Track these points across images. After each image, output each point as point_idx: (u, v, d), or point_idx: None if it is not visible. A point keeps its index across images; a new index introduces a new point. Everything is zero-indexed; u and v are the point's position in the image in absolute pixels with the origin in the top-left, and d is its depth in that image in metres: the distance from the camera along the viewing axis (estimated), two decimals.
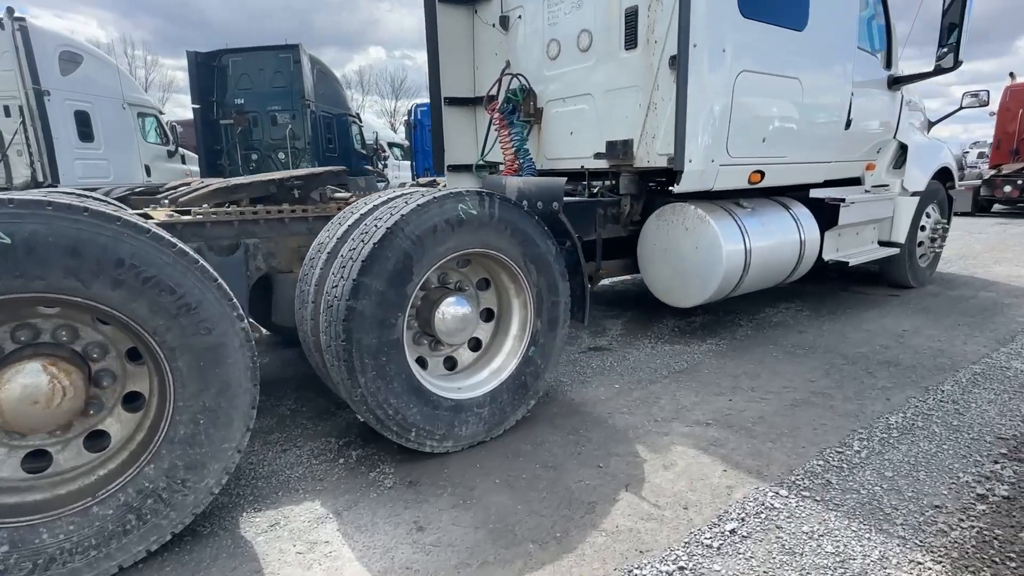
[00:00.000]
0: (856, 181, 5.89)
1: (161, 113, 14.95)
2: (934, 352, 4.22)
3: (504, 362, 3.00)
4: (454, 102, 5.64)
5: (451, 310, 2.78)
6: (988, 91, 6.87)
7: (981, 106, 6.95)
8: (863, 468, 2.63)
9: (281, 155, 13.20)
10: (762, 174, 4.24)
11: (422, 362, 2.94)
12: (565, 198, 4.52)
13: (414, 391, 2.58)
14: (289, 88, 13.00)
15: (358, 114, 16.63)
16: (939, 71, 5.44)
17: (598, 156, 4.49)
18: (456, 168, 5.81)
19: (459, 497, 2.45)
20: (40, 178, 11.52)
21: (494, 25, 5.37)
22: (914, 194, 5.97)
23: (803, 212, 4.87)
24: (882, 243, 5.99)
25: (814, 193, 5.18)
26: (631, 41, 4.16)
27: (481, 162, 5.55)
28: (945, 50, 5.30)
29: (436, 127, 5.70)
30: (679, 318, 5.21)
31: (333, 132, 14.49)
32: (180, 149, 15.37)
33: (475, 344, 3.12)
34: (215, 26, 64.87)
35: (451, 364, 3.07)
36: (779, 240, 4.53)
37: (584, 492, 2.48)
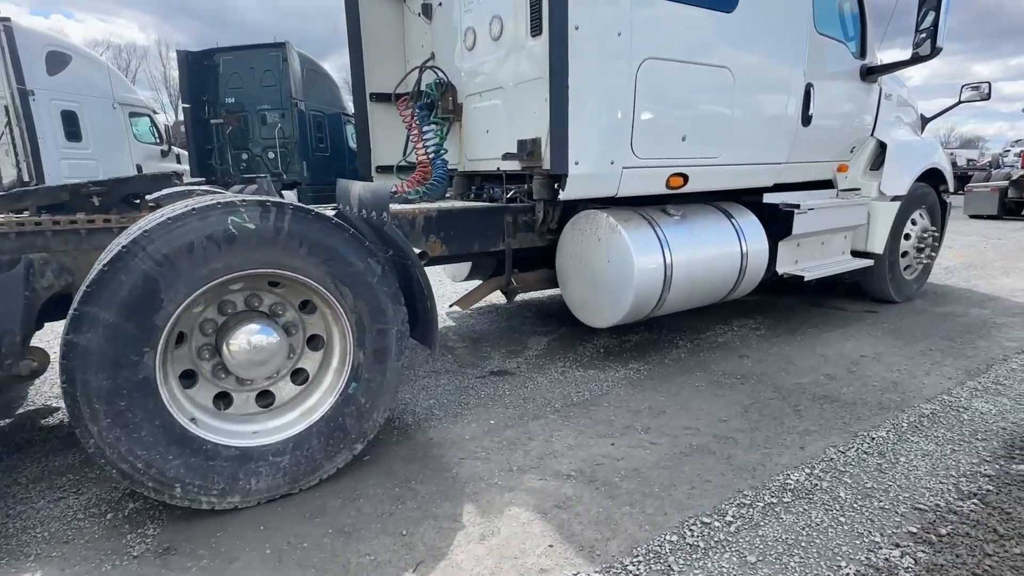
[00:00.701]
0: (830, 184, 5.28)
1: (155, 113, 14.94)
2: (885, 386, 3.62)
3: (320, 400, 2.55)
4: (382, 98, 5.22)
5: (244, 340, 2.35)
6: (989, 83, 6.14)
7: (983, 100, 6.21)
8: (723, 549, 2.10)
9: (271, 154, 13.04)
10: (685, 177, 3.70)
11: (227, 398, 2.52)
12: (468, 203, 4.07)
13: (174, 440, 2.16)
14: (278, 87, 12.81)
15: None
16: (916, 59, 4.79)
17: (507, 156, 3.99)
18: (385, 169, 5.38)
19: (209, 573, 2.02)
20: (26, 177, 11.56)
21: (419, 14, 4.93)
22: (894, 199, 5.32)
23: (748, 220, 4.30)
24: (856, 253, 5.36)
25: (768, 198, 4.61)
26: (536, 27, 3.65)
27: (403, 163, 5.12)
28: (923, 35, 4.66)
29: (361, 125, 5.29)
30: (612, 337, 4.68)
31: (324, 131, 14.24)
32: (175, 149, 15.38)
33: (305, 376, 2.69)
34: (253, 28, 66.14)
35: (270, 399, 2.64)
36: (713, 252, 3.98)
37: (360, 572, 2.02)
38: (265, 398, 2.62)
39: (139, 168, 13.58)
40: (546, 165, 3.73)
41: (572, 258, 4.06)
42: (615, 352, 4.31)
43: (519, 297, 5.52)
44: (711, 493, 2.46)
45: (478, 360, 4.21)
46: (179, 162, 15.10)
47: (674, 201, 4.10)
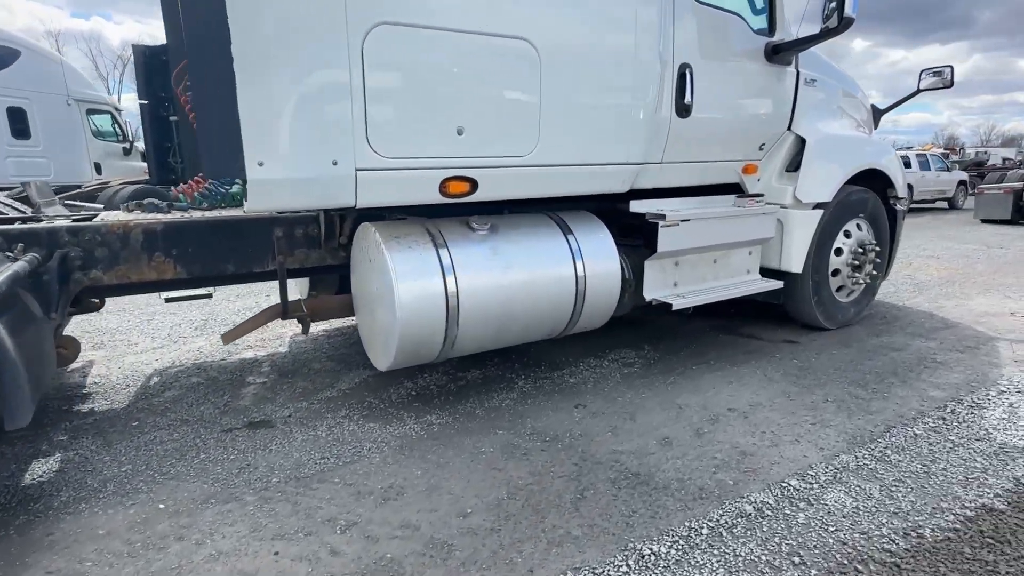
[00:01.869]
0: (738, 188, 4.37)
1: (118, 110, 14.56)
2: (728, 459, 2.74)
3: None
4: None
5: None
6: (951, 67, 5.13)
7: (945, 87, 5.20)
8: None
9: None
10: (472, 182, 2.86)
11: None
12: (226, 213, 3.32)
13: None
14: None
15: None
16: (826, 33, 3.85)
17: None
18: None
19: None
20: None
21: None
22: (818, 206, 4.38)
23: (593, 235, 3.43)
24: (769, 272, 4.43)
25: (636, 207, 3.74)
26: None
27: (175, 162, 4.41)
28: (833, 5, 3.72)
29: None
30: (446, 373, 3.86)
31: None
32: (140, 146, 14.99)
33: None
34: None
35: None
36: (528, 277, 3.13)
37: None
38: None
39: (97, 167, 13.20)
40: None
41: (355, 283, 3.27)
42: (428, 396, 3.50)
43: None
44: None
45: (254, 404, 3.44)
46: (144, 160, 14.71)
47: (515, 208, 3.28)
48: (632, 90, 3.28)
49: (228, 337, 3.38)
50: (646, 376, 3.80)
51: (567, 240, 3.30)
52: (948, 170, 18.15)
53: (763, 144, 4.28)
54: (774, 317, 4.90)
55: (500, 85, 2.81)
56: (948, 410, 3.25)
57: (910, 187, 16.74)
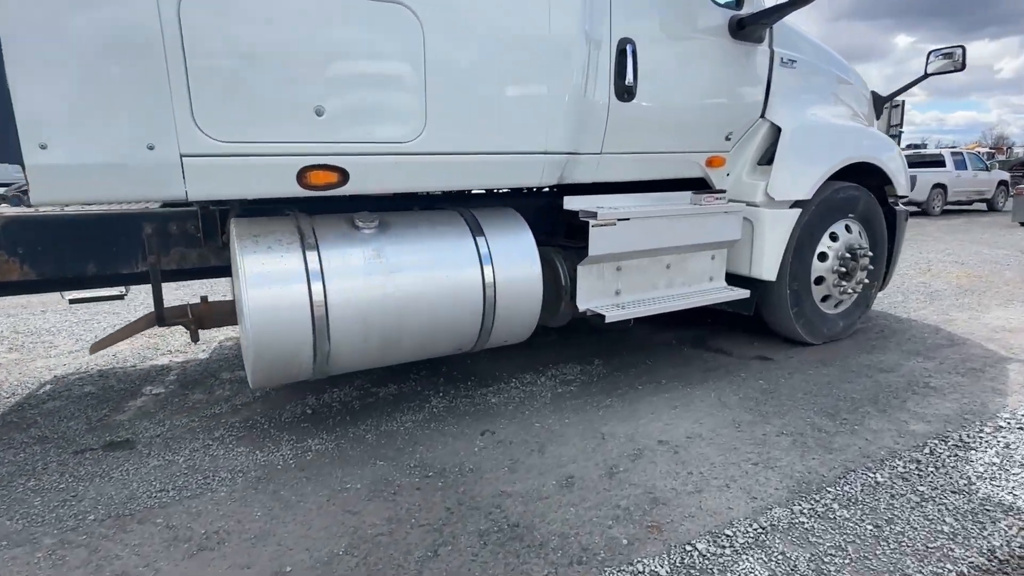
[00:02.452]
0: (702, 183, 3.86)
1: None
2: (634, 508, 2.24)
3: None
4: None
5: None
6: (963, 47, 4.50)
7: (956, 70, 4.57)
8: None
9: None
10: (341, 172, 2.43)
11: None
12: (87, 209, 2.96)
13: None
14: None
15: None
16: (798, 1, 3.32)
17: None
18: None
19: None
20: None
21: None
22: (796, 204, 3.84)
23: (508, 236, 2.97)
24: (738, 279, 3.90)
25: (571, 204, 3.28)
26: None
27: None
28: None
29: None
30: (358, 387, 3.46)
31: None
32: None
33: None
34: None
35: None
36: (420, 284, 2.68)
37: None
38: None
39: None
40: None
41: (233, 286, 2.89)
42: (323, 416, 3.10)
43: None
44: None
45: (131, 419, 3.08)
46: None
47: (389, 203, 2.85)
48: (547, 67, 2.81)
49: (96, 347, 3.03)
50: (581, 397, 3.33)
51: (475, 241, 2.86)
52: (988, 170, 16.98)
53: (730, 134, 3.76)
54: (754, 330, 4.36)
55: (370, 57, 2.38)
56: (927, 450, 2.69)
57: (944, 187, 15.71)
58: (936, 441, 2.78)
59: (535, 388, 3.46)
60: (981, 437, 2.82)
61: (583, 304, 3.26)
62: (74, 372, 3.84)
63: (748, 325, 4.39)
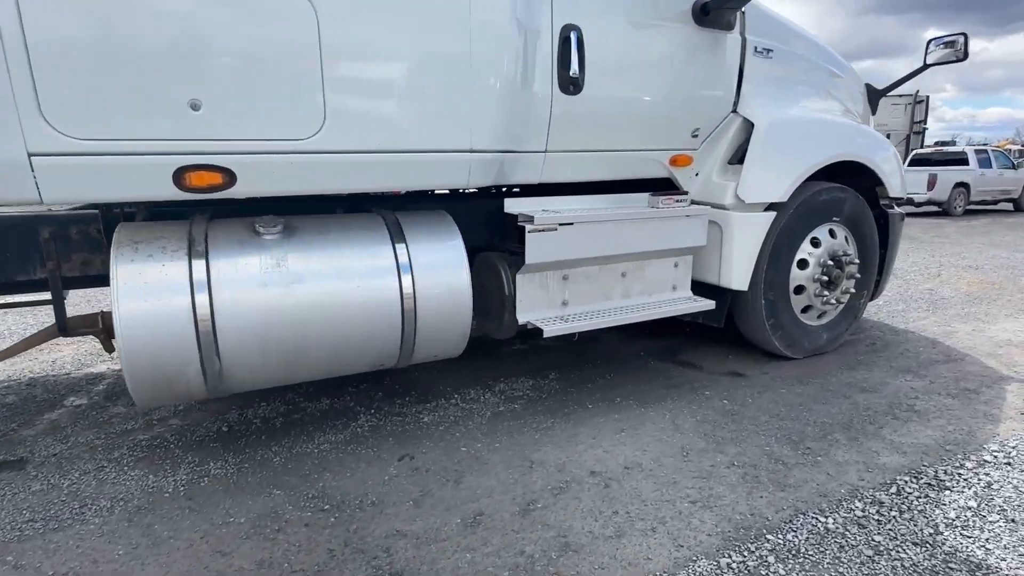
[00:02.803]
0: (667, 183, 3.56)
1: None
2: (526, 562, 1.96)
3: None
4: None
5: None
6: (965, 35, 4.11)
7: (958, 60, 4.18)
8: None
9: None
10: (227, 172, 2.19)
11: None
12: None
13: None
14: None
15: None
16: None
17: None
18: None
19: None
20: None
21: None
22: (771, 207, 3.51)
23: (434, 242, 2.71)
24: (705, 288, 3.59)
25: (511, 207, 3.01)
26: None
27: None
28: None
29: None
30: (289, 402, 3.24)
31: None
32: None
33: None
34: None
35: None
36: (325, 295, 2.43)
37: None
38: None
39: None
40: None
41: None
42: (239, 434, 2.87)
43: None
44: None
45: (38, 435, 2.89)
46: None
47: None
48: (468, 57, 2.53)
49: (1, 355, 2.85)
50: (523, 416, 3.05)
51: (393, 248, 2.60)
52: (1015, 168, 16.21)
53: (697, 130, 3.44)
54: (732, 342, 4.03)
55: (254, 45, 2.13)
56: (893, 490, 2.37)
57: (966, 186, 15.02)
58: (906, 478, 2.46)
59: (476, 406, 3.19)
60: (960, 474, 2.49)
61: (523, 316, 2.99)
62: (4, 380, 3.69)
63: (728, 337, 4.07)
